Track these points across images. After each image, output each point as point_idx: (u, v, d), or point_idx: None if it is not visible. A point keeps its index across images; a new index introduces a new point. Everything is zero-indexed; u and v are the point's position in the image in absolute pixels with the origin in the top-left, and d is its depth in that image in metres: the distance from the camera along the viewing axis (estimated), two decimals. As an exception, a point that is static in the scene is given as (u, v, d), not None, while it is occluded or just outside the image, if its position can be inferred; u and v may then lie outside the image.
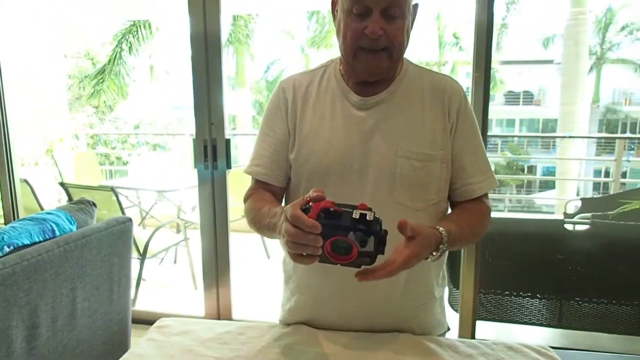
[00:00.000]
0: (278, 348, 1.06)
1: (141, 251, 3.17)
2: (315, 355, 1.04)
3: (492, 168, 1.12)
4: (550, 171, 17.00)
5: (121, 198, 3.19)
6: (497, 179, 1.11)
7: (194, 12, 2.33)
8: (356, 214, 0.78)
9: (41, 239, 1.63)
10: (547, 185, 15.46)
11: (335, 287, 1.08)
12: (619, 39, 16.21)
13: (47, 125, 5.07)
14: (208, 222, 2.54)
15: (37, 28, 4.87)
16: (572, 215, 3.51)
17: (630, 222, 2.84)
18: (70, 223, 1.76)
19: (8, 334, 1.38)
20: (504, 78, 15.54)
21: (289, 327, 1.15)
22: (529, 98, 20.69)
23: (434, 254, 0.91)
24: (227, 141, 2.44)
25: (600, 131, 18.33)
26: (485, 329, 2.40)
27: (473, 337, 2.27)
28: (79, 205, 1.91)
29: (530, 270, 2.34)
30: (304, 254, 0.79)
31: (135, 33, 8.45)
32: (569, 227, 2.53)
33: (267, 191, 1.12)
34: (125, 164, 8.99)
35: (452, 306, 2.36)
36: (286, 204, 1.12)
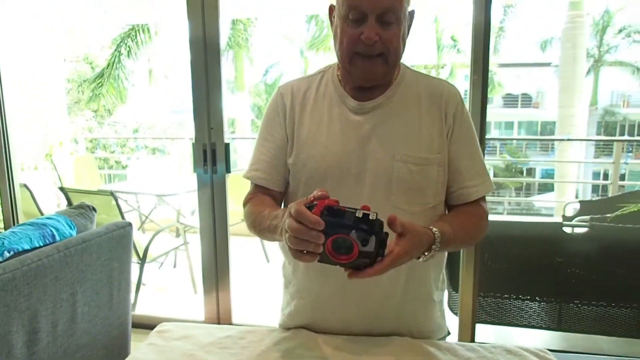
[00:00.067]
0: (278, 352, 1.07)
1: (141, 255, 3.17)
2: (315, 359, 1.04)
3: (491, 171, 1.13)
4: (549, 174, 17.02)
5: (120, 202, 3.19)
6: (495, 182, 1.12)
7: (192, 16, 2.34)
8: (359, 213, 0.79)
9: (41, 244, 1.63)
10: (546, 188, 15.46)
11: (334, 291, 1.09)
12: (617, 42, 16.24)
13: (47, 129, 5.07)
14: (208, 226, 2.54)
15: (37, 31, 4.87)
16: (571, 218, 3.52)
17: (629, 224, 2.85)
18: (70, 228, 1.76)
19: (8, 339, 1.38)
20: (503, 81, 15.56)
21: (288, 332, 1.15)
22: (527, 100, 20.72)
23: (426, 254, 0.91)
24: (227, 145, 2.44)
25: (598, 133, 18.36)
26: (485, 332, 2.40)
27: (473, 340, 2.27)
28: (79, 210, 1.92)
29: (529, 273, 2.34)
30: (305, 251, 0.80)
31: (134, 37, 8.46)
32: (567, 229, 2.54)
33: (266, 195, 1.13)
34: (124, 167, 8.99)
35: (451, 309, 2.36)
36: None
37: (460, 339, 2.25)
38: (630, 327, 2.20)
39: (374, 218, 0.79)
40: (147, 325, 1.92)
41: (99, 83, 8.87)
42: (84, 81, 10.64)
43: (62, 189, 3.39)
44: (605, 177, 13.71)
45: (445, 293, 1.25)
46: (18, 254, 1.53)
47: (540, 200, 13.54)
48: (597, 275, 2.29)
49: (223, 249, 2.56)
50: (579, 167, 13.53)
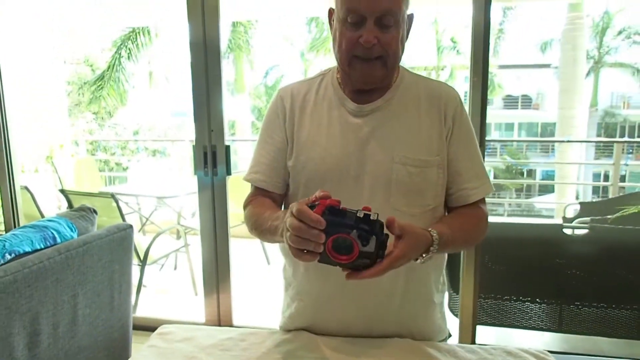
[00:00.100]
0: (279, 354, 1.07)
1: (141, 257, 3.17)
2: (315, 361, 1.05)
3: (491, 173, 1.14)
4: (549, 175, 17.02)
5: (121, 204, 3.19)
6: (496, 183, 1.12)
7: (193, 18, 2.34)
8: (360, 214, 0.79)
9: (42, 246, 1.63)
10: (547, 189, 15.46)
11: (334, 293, 1.09)
12: (617, 43, 16.26)
13: (47, 131, 5.08)
14: (208, 228, 2.54)
15: (37, 32, 4.89)
16: (571, 220, 3.52)
17: (629, 226, 2.86)
18: (71, 230, 1.77)
19: (10, 341, 1.39)
20: (503, 82, 15.58)
21: (289, 333, 1.15)
22: (527, 102, 20.73)
23: (424, 255, 0.92)
24: (227, 147, 2.45)
25: (599, 135, 18.37)
26: (486, 334, 2.40)
27: (473, 342, 2.27)
28: (80, 212, 1.92)
29: (529, 275, 2.34)
30: (305, 250, 0.80)
31: (135, 39, 8.49)
32: (568, 231, 2.54)
33: (266, 197, 1.13)
34: (125, 169, 9.00)
35: (452, 311, 2.36)
36: None
37: (460, 341, 2.25)
38: (630, 329, 2.20)
39: (375, 218, 0.80)
40: (147, 327, 1.92)
41: (100, 85, 8.89)
42: (85, 83, 10.66)
43: (62, 191, 3.39)
44: (606, 178, 13.71)
45: (446, 295, 1.25)
46: (19, 256, 1.54)
47: (540, 202, 13.55)
48: (598, 276, 2.29)
49: (224, 250, 2.56)
50: (579, 168, 13.54)
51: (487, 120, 2.12)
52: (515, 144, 17.12)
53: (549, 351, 1.09)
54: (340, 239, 0.79)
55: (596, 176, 16.19)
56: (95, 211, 1.98)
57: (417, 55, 13.11)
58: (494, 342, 2.51)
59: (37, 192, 3.39)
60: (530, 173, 18.16)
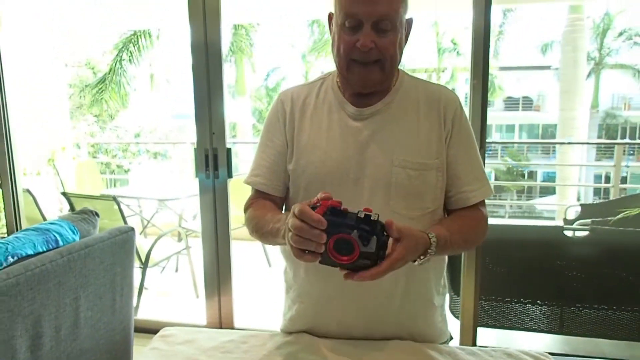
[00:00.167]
0: (280, 356, 1.08)
1: (143, 260, 3.18)
2: (316, 363, 1.05)
3: (492, 175, 1.14)
4: (550, 177, 17.01)
5: (122, 207, 3.20)
6: (497, 185, 1.13)
7: (194, 21, 2.35)
8: (361, 214, 0.80)
9: (45, 249, 1.64)
10: (548, 191, 15.46)
11: (334, 296, 1.10)
12: (617, 45, 16.27)
13: (49, 134, 5.09)
14: (209, 230, 2.55)
15: (38, 35, 4.90)
16: (572, 221, 3.52)
17: (630, 227, 2.85)
18: (74, 233, 1.77)
19: (12, 344, 1.39)
20: (503, 84, 15.59)
21: (290, 336, 1.16)
22: (528, 104, 20.74)
23: (422, 257, 0.92)
24: (228, 150, 2.45)
25: (600, 136, 18.36)
26: (487, 336, 2.41)
27: (474, 344, 2.27)
28: (82, 215, 1.93)
29: (530, 277, 2.34)
30: (307, 251, 0.81)
31: (136, 42, 8.50)
32: (568, 233, 2.54)
33: (267, 200, 1.14)
34: (126, 172, 9.02)
35: (453, 313, 2.37)
36: None
37: (461, 343, 2.26)
38: (632, 330, 2.20)
39: (376, 219, 0.81)
40: (149, 329, 1.92)
41: (101, 88, 8.91)
42: (86, 86, 10.68)
43: (64, 194, 3.40)
44: (607, 179, 13.69)
45: (447, 297, 1.26)
46: (22, 259, 1.54)
47: (541, 204, 13.54)
48: (599, 278, 2.29)
49: (225, 253, 2.57)
50: (580, 170, 13.52)
51: (488, 122, 2.13)
52: (516, 145, 17.14)
53: (550, 353, 1.10)
54: (341, 239, 0.80)
55: (597, 178, 16.18)
56: (97, 214, 1.99)
57: (418, 58, 13.13)
58: (495, 344, 2.51)
59: (39, 195, 3.40)
60: (531, 175, 18.16)
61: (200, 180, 2.50)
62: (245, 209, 1.16)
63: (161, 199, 4.28)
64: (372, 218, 0.80)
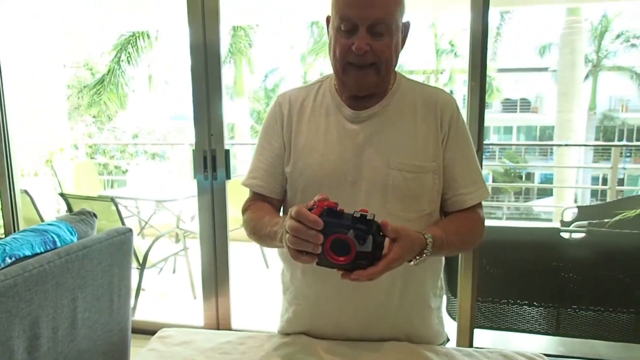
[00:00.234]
0: (277, 357, 1.08)
1: (140, 261, 3.17)
2: (313, 365, 1.05)
3: (490, 176, 1.15)
4: (548, 178, 17.04)
5: (120, 208, 3.20)
6: (494, 187, 1.14)
7: (193, 22, 2.35)
8: (357, 214, 0.81)
9: (42, 250, 1.64)
10: (545, 193, 15.48)
11: (331, 297, 1.10)
12: (615, 47, 16.31)
13: (47, 135, 5.09)
14: (207, 231, 2.55)
15: (37, 35, 4.90)
16: (569, 223, 3.53)
17: (627, 229, 2.87)
18: (71, 234, 1.78)
19: (9, 344, 1.39)
20: (501, 86, 15.61)
21: (288, 337, 1.16)
22: (526, 105, 20.78)
23: (417, 258, 0.93)
24: (227, 152, 2.46)
25: (597, 138, 18.41)
26: (483, 337, 2.41)
27: (471, 345, 2.28)
28: (80, 216, 1.93)
29: (527, 278, 2.35)
30: (304, 252, 0.82)
31: (134, 43, 8.50)
32: (565, 235, 2.55)
33: (265, 202, 1.14)
34: (124, 173, 9.00)
35: (450, 315, 2.37)
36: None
37: (458, 344, 2.26)
38: (627, 332, 2.21)
39: (372, 219, 0.81)
40: (146, 330, 1.93)
41: (99, 89, 8.90)
42: (84, 87, 10.66)
43: (62, 194, 3.40)
44: (604, 182, 13.73)
45: (444, 299, 1.26)
46: (19, 260, 1.55)
47: (539, 205, 13.56)
48: (595, 280, 2.30)
49: (223, 254, 2.57)
50: (578, 172, 13.57)
51: (486, 124, 2.14)
52: (513, 147, 17.17)
53: (546, 354, 1.10)
54: (337, 239, 0.81)
55: (594, 179, 16.20)
56: (95, 215, 1.99)
57: (416, 59, 13.15)
58: (492, 345, 2.51)
59: (36, 196, 3.40)
60: (529, 176, 18.19)
61: (199, 181, 2.50)
62: (243, 211, 1.17)
63: (159, 200, 4.27)
64: (367, 218, 0.81)
